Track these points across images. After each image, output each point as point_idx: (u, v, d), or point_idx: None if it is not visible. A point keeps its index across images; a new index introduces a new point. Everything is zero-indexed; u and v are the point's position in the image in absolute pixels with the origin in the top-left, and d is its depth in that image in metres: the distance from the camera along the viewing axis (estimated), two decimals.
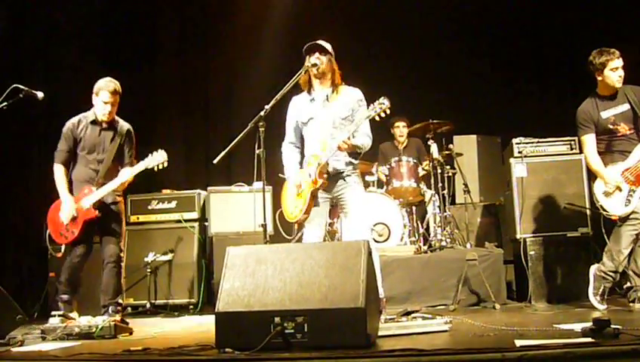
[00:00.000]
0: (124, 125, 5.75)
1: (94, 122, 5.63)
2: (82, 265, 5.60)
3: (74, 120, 5.68)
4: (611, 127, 5.22)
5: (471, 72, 8.80)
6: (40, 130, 7.93)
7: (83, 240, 5.57)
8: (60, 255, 5.81)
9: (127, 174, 5.57)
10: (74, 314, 5.12)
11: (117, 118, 5.72)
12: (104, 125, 5.64)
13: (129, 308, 6.79)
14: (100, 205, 5.53)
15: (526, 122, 8.24)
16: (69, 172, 5.67)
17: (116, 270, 5.57)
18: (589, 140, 5.30)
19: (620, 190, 5.08)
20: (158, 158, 5.53)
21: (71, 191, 5.60)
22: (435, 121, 7.23)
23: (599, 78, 5.25)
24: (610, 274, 5.17)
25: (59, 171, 5.63)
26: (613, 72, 5.17)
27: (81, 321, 4.70)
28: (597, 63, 5.19)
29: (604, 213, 5.18)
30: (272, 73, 8.04)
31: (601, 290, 5.21)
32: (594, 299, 5.22)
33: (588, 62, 5.25)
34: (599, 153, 5.27)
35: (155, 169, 5.56)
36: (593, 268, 5.31)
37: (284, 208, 5.03)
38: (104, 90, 5.51)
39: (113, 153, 5.63)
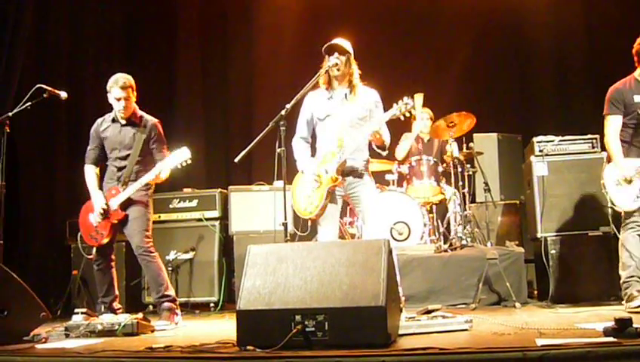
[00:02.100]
0: (148, 120, 5.56)
1: (115, 120, 5.53)
2: (107, 267, 5.48)
3: (99, 120, 5.62)
4: (638, 113, 5.12)
5: (492, 70, 8.77)
6: (64, 129, 8.00)
7: (104, 245, 5.45)
8: (91, 257, 5.68)
9: (153, 172, 5.35)
10: (123, 315, 4.88)
11: (140, 113, 5.57)
12: (123, 122, 5.50)
13: (150, 306, 6.84)
14: (125, 202, 5.40)
15: (547, 120, 8.21)
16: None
17: (145, 262, 5.39)
18: (614, 122, 5.18)
19: (630, 183, 5.03)
20: (179, 157, 5.33)
21: (102, 190, 5.51)
22: (456, 114, 7.10)
23: None
24: (630, 278, 5.07)
25: (87, 171, 5.57)
26: None
27: (104, 319, 4.72)
28: None
29: (611, 204, 5.15)
30: (293, 71, 8.05)
31: (628, 295, 5.09)
32: (629, 305, 5.06)
33: (638, 43, 5.11)
34: (623, 141, 5.17)
35: (179, 166, 5.37)
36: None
37: (295, 203, 4.96)
38: (114, 87, 5.37)
39: (138, 150, 5.46)
